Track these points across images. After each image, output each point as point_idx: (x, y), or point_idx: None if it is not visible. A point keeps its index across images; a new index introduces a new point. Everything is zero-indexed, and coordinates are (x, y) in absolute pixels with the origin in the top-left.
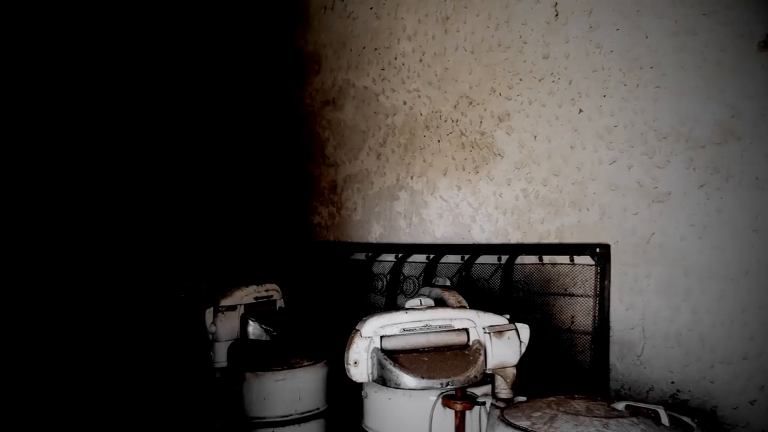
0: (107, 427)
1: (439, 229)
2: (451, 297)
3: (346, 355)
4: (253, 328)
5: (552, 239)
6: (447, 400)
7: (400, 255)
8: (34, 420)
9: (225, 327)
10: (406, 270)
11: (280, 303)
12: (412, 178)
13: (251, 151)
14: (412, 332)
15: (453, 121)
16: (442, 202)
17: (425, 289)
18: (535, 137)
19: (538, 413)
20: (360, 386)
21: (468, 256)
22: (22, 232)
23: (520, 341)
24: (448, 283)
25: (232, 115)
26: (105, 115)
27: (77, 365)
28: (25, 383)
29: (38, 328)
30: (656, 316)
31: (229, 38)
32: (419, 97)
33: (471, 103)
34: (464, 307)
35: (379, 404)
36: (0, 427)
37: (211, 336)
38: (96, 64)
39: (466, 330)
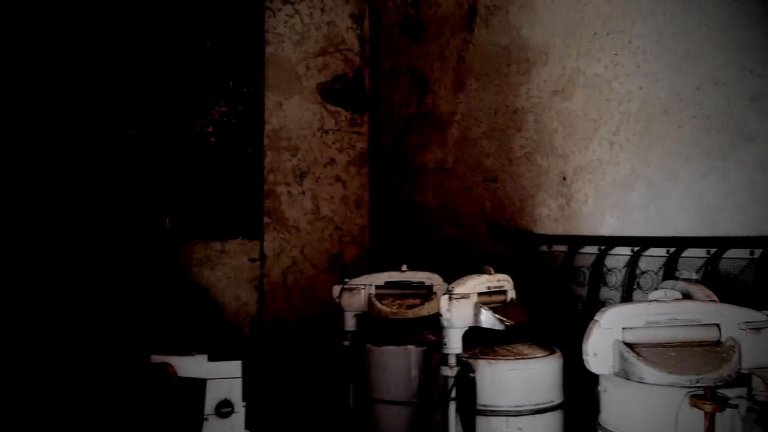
0: None
1: (680, 221)
2: (699, 290)
3: (584, 346)
4: (486, 317)
5: None
6: (695, 399)
7: (636, 248)
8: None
9: (459, 314)
10: (643, 264)
11: (511, 294)
12: (649, 166)
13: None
14: (656, 325)
15: (696, 104)
16: (684, 192)
17: (668, 283)
18: None
19: None
20: (595, 380)
21: (714, 249)
22: None
23: None
24: (694, 276)
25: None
26: None
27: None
28: None
29: None
30: None
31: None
32: (657, 80)
33: (717, 83)
34: (714, 302)
35: (618, 400)
36: None
37: (446, 323)
38: None
39: (718, 325)
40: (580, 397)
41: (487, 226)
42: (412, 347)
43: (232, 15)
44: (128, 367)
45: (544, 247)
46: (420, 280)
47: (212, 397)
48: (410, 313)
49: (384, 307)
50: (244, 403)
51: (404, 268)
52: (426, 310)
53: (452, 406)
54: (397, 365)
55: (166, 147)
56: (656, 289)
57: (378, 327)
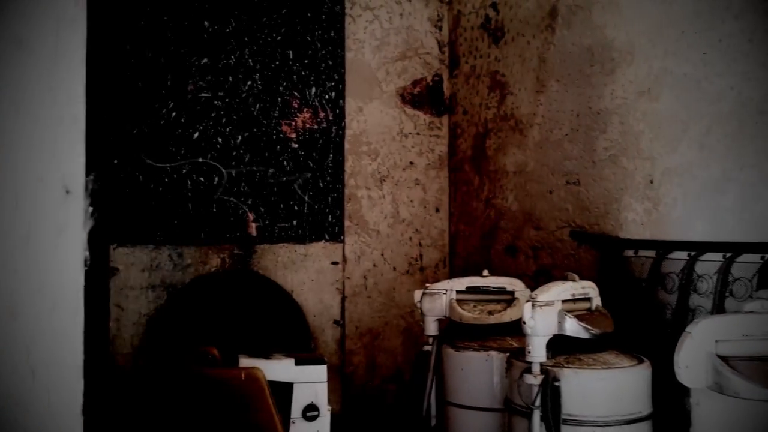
0: None
1: None
2: None
3: (676, 358)
4: (571, 325)
5: None
6: None
7: (728, 254)
8: None
9: (542, 322)
10: (736, 271)
11: (596, 301)
12: (741, 169)
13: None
14: (752, 338)
15: None
16: None
17: (764, 292)
18: None
19: None
20: (685, 391)
21: None
22: None
23: None
24: None
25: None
26: None
27: None
28: None
29: None
30: None
31: None
32: (749, 80)
33: None
34: None
35: (711, 414)
36: None
37: (529, 330)
38: None
39: None
40: (669, 408)
41: (570, 230)
42: (494, 353)
43: (314, 24)
44: (220, 369)
45: (630, 252)
46: (501, 285)
47: (299, 401)
48: (492, 319)
49: (465, 313)
50: (329, 407)
51: (485, 273)
52: (508, 315)
53: (536, 415)
54: (478, 371)
55: (251, 152)
56: (750, 297)
57: (459, 332)
